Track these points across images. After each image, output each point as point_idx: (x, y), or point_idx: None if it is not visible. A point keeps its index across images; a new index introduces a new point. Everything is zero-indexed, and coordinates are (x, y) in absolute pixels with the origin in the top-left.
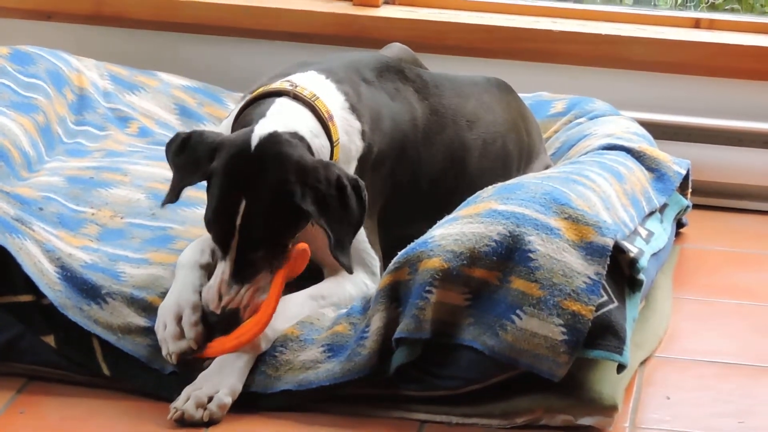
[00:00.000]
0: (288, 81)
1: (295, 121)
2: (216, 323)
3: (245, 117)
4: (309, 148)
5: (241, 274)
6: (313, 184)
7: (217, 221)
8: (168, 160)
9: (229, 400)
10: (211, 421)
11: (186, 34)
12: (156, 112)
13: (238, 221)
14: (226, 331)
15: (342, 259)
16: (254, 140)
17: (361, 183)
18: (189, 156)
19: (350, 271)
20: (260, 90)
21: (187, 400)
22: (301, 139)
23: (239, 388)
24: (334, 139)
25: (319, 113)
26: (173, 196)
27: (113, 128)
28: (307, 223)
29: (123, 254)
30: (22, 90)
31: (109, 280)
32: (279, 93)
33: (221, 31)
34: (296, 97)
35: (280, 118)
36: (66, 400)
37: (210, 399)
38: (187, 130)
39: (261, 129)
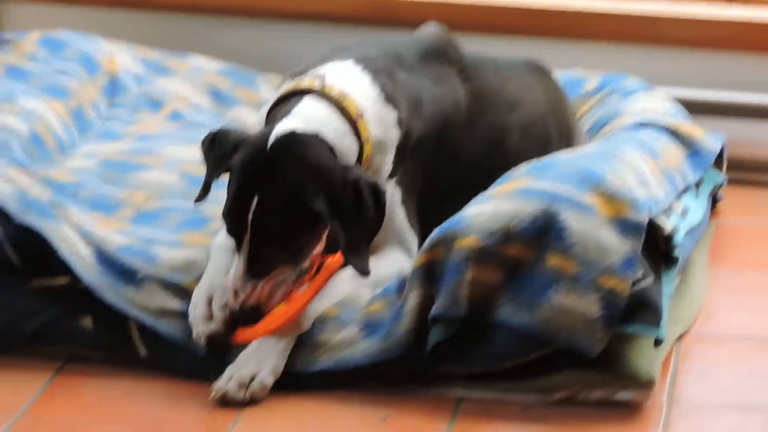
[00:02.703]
0: (318, 77)
1: (319, 122)
2: (237, 319)
3: (272, 115)
4: (331, 149)
5: (256, 270)
6: (326, 185)
7: (230, 216)
8: (202, 156)
9: (271, 380)
10: (252, 401)
11: (216, 16)
12: (188, 96)
13: (250, 217)
14: (250, 325)
15: (355, 262)
16: (271, 139)
17: (381, 187)
18: (216, 152)
19: (365, 274)
20: (290, 87)
21: (229, 380)
22: (322, 140)
23: (281, 368)
24: (363, 137)
25: (346, 112)
26: (203, 191)
27: (146, 112)
28: (323, 223)
29: (158, 237)
30: (55, 75)
31: (144, 263)
32: (307, 91)
33: (252, 14)
34: (324, 96)
35: (303, 118)
36: (103, 380)
37: (252, 379)
38: (220, 114)
39: (280, 128)
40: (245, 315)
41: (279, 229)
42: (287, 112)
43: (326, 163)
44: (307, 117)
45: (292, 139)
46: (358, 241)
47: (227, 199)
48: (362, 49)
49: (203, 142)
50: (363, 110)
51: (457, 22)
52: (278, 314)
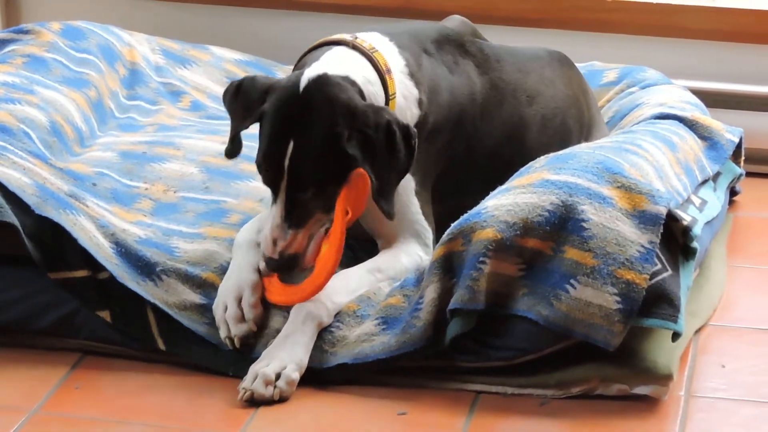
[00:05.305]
0: (349, 35)
1: (349, 67)
2: (277, 269)
3: (301, 63)
4: (360, 92)
5: (293, 217)
6: (360, 127)
7: (266, 162)
8: (225, 108)
9: (297, 376)
10: (281, 399)
11: (237, 7)
12: (208, 86)
13: (286, 162)
14: (289, 277)
15: (383, 204)
16: (303, 82)
17: (413, 131)
18: (242, 101)
19: (391, 218)
20: (319, 40)
21: (254, 379)
22: (353, 83)
23: (305, 362)
24: (390, 92)
25: (376, 65)
26: (231, 143)
27: (165, 102)
28: (356, 166)
29: (177, 229)
30: (75, 65)
31: (163, 255)
32: (337, 42)
33: (272, 4)
34: (355, 47)
35: (334, 63)
36: (121, 375)
37: (278, 376)
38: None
39: (311, 71)
40: (286, 265)
41: (315, 173)
42: (317, 58)
43: (359, 105)
44: (338, 62)
45: (324, 81)
46: (388, 183)
47: (261, 146)
48: (386, 28)
49: (226, 93)
50: (391, 68)
51: (477, 14)
52: (311, 279)
